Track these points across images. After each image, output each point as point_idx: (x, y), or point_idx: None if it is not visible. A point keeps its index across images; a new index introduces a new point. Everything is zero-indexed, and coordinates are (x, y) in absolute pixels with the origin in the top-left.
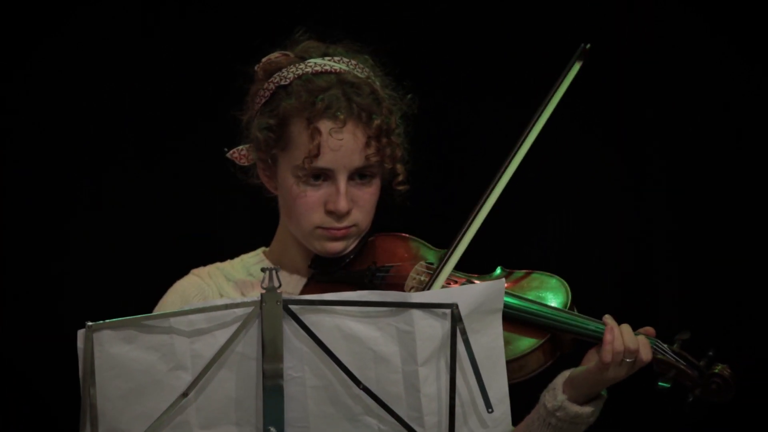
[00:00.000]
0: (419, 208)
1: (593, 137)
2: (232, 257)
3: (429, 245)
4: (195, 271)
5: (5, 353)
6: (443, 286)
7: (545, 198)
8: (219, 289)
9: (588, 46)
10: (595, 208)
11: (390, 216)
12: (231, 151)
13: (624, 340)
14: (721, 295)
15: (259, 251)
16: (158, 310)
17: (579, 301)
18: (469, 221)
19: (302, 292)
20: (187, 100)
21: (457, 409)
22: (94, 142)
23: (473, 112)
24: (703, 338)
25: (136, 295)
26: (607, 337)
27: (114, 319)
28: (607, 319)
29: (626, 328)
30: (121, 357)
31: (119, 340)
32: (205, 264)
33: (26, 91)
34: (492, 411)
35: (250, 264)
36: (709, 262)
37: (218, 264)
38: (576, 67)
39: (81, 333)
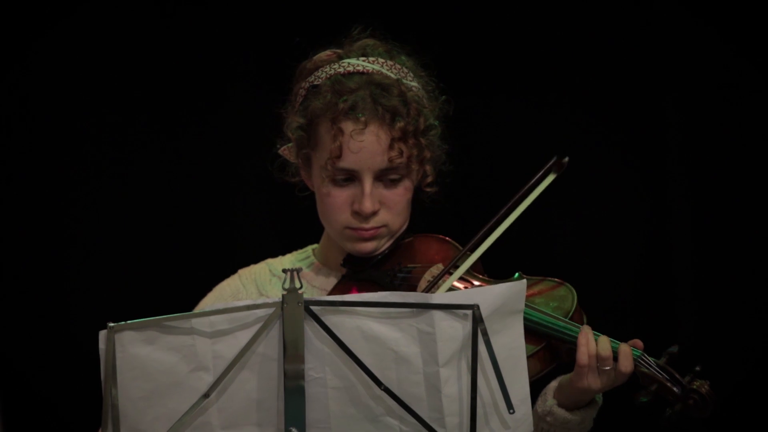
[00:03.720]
0: (461, 208)
1: (609, 143)
2: (284, 254)
3: (462, 248)
4: (241, 271)
5: (13, 354)
6: (450, 289)
7: (562, 204)
8: (260, 289)
9: (566, 159)
10: (610, 216)
11: (432, 218)
12: (282, 148)
13: (599, 347)
14: (738, 303)
15: (309, 248)
16: (197, 309)
17: (594, 309)
18: (486, 228)
19: (332, 291)
20: (237, 92)
21: (479, 410)
22: (119, 141)
23: (507, 110)
24: (718, 347)
25: (167, 295)
26: (581, 339)
27: (135, 320)
28: (584, 327)
29: (603, 338)
30: (143, 358)
31: (141, 341)
32: (257, 261)
33: (53, 93)
34: (513, 412)
35: (299, 260)
36: (726, 270)
37: (268, 260)
38: (549, 178)
39: (102, 334)
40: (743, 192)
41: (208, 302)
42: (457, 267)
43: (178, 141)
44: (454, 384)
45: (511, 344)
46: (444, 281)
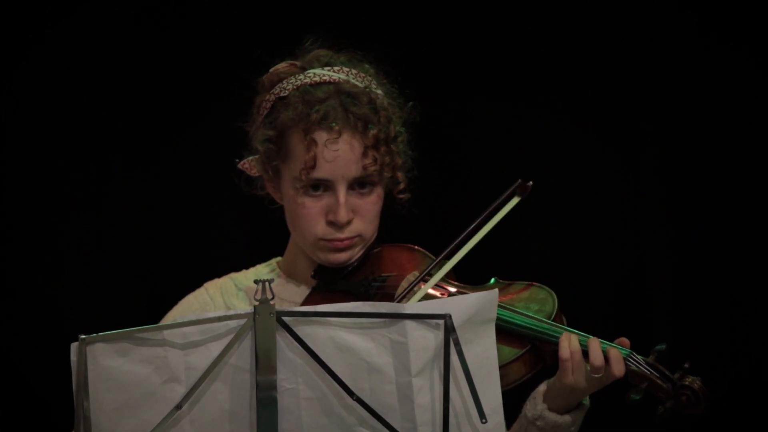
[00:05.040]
0: (430, 216)
1: (587, 144)
2: (247, 267)
3: (432, 256)
4: (207, 284)
5: (11, 356)
6: (426, 296)
7: (539, 208)
8: (227, 302)
9: (530, 183)
10: (587, 217)
11: (401, 226)
12: (241, 162)
13: (591, 355)
14: (715, 302)
15: (273, 261)
16: (164, 322)
17: (572, 310)
18: (461, 238)
19: (304, 302)
20: (198, 107)
21: (451, 419)
22: (102, 149)
23: (482, 116)
24: (696, 346)
25: (144, 304)
26: (562, 338)
27: (107, 332)
28: (563, 335)
29: (594, 342)
30: (115, 370)
31: (113, 353)
32: (220, 275)
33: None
34: (486, 421)
35: (263, 273)
36: (703, 270)
37: (232, 274)
38: (513, 201)
39: (74, 346)
40: (718, 188)
41: (174, 315)
42: (431, 275)
43: (145, 156)
44: (426, 394)
45: (483, 353)
46: (419, 289)
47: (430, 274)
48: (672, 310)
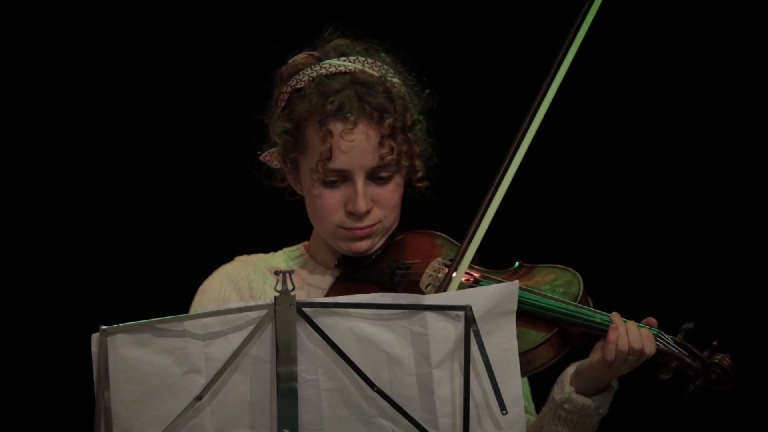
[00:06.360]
0: (449, 202)
1: (608, 133)
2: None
3: (454, 241)
4: (240, 258)
5: (12, 355)
6: (461, 283)
7: (561, 193)
8: (263, 277)
9: None
10: (610, 201)
11: (424, 213)
12: (263, 155)
13: (629, 339)
14: (733, 285)
15: (300, 245)
16: (203, 290)
17: (594, 292)
18: (479, 216)
19: (329, 293)
20: (220, 100)
21: (471, 411)
22: (115, 141)
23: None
24: (713, 329)
25: (160, 296)
26: (611, 336)
27: (127, 323)
28: (614, 316)
29: (632, 326)
30: (135, 361)
31: (133, 344)
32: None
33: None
34: (506, 413)
35: (292, 257)
36: (721, 254)
37: (261, 255)
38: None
39: (95, 337)
40: (736, 173)
41: (216, 281)
42: (460, 260)
43: (168, 145)
44: (446, 385)
45: (503, 345)
46: (453, 276)
47: (461, 260)
48: (693, 292)
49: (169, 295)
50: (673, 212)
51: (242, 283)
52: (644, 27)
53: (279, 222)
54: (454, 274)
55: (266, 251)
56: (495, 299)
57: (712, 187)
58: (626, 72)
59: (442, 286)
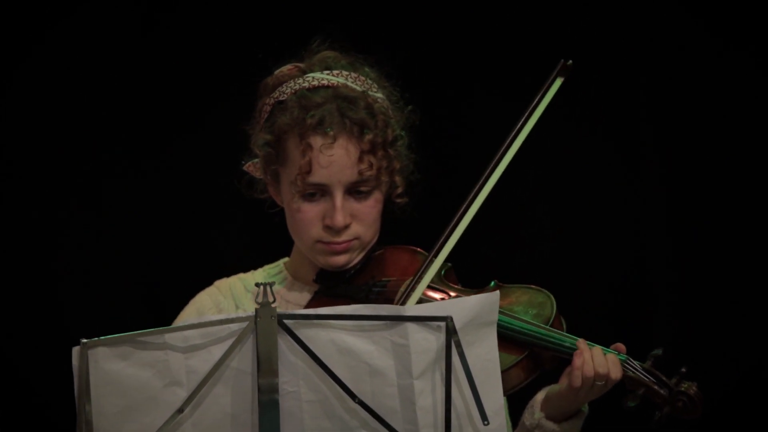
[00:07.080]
0: (429, 218)
1: (586, 143)
2: (255, 268)
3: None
4: (217, 282)
5: (12, 355)
6: (421, 298)
7: (537, 209)
8: (236, 301)
9: (570, 62)
10: (587, 219)
11: (403, 228)
12: (247, 164)
13: (594, 364)
14: (718, 304)
15: (281, 262)
16: (177, 321)
17: (573, 313)
18: (447, 231)
19: (306, 307)
20: (206, 109)
21: (453, 421)
22: (107, 150)
23: (482, 117)
24: (695, 349)
25: (147, 307)
26: (576, 362)
27: (109, 336)
28: (580, 342)
29: (597, 351)
30: (117, 374)
31: (114, 357)
32: (228, 276)
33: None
34: (488, 423)
35: (272, 275)
36: (705, 271)
37: (241, 275)
38: (557, 83)
39: (76, 350)
40: (719, 189)
41: (189, 312)
42: (425, 273)
43: (152, 157)
44: (428, 396)
45: (484, 355)
46: (416, 288)
47: (425, 272)
48: (672, 313)
49: (164, 304)
50: (652, 235)
51: (211, 313)
52: (631, 31)
53: (263, 236)
54: (417, 285)
55: (246, 263)
56: (476, 310)
57: (696, 205)
58: (607, 90)
59: (401, 299)
